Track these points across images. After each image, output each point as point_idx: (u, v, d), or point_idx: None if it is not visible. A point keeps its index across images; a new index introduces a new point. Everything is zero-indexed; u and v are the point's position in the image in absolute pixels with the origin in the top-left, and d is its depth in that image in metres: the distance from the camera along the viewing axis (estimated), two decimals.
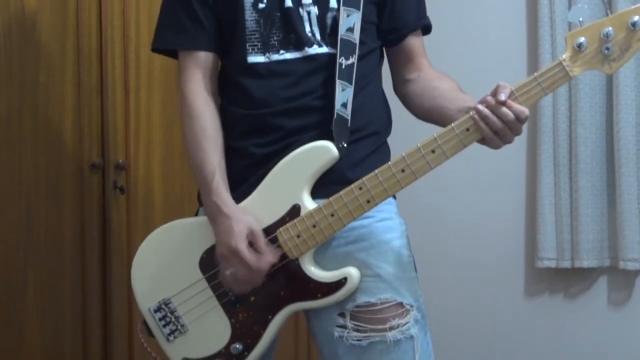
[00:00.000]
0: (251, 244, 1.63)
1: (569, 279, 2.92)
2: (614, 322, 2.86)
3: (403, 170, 1.58)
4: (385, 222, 1.70)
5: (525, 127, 2.88)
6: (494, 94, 1.55)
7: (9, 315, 2.39)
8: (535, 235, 2.89)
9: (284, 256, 1.65)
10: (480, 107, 1.55)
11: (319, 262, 1.67)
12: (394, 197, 1.76)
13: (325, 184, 1.64)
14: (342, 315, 1.67)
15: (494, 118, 1.54)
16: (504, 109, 1.53)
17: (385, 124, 1.79)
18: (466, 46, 3.01)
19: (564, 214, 2.83)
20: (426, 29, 1.83)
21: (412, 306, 1.67)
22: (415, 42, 1.80)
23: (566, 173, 2.84)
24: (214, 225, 1.68)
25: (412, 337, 1.65)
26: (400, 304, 1.66)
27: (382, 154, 1.74)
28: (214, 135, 1.72)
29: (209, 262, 1.71)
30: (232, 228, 1.63)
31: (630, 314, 2.84)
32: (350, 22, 1.68)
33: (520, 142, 2.96)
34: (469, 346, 3.04)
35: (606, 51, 1.52)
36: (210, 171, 1.68)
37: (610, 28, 1.50)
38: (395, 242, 1.70)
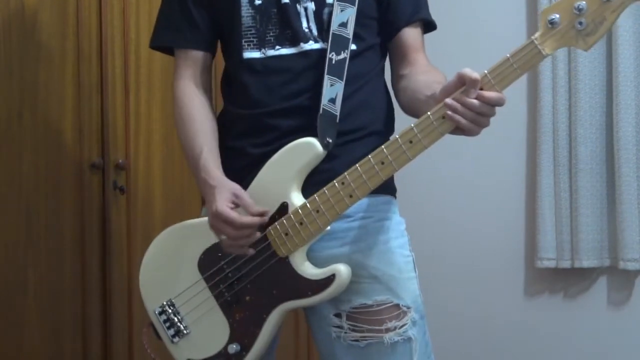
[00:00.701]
0: (237, 205, 1.62)
1: (568, 279, 2.92)
2: (614, 322, 2.85)
3: (383, 162, 1.55)
4: (383, 222, 1.69)
5: (525, 127, 2.97)
6: (464, 89, 1.47)
7: (9, 315, 2.38)
8: (535, 235, 2.88)
9: (273, 254, 1.65)
10: (450, 101, 1.47)
11: (316, 264, 1.66)
12: (395, 196, 1.76)
13: (323, 183, 1.62)
14: (338, 315, 1.67)
15: (465, 110, 1.46)
16: (478, 103, 1.45)
17: (387, 123, 1.76)
18: (466, 46, 3.00)
19: (564, 214, 2.83)
20: (428, 26, 1.79)
21: (408, 308, 1.66)
22: (410, 36, 1.75)
23: (566, 173, 2.83)
24: (205, 200, 1.69)
25: (409, 339, 1.65)
26: (397, 306, 1.65)
27: None
28: (201, 120, 1.74)
29: (207, 262, 1.72)
30: (214, 195, 1.63)
31: (630, 314, 2.84)
32: (344, 16, 1.67)
33: (520, 142, 2.97)
34: (468, 346, 3.04)
35: (579, 26, 1.45)
36: (197, 152, 1.69)
37: (583, 1, 1.44)
38: (392, 242, 1.69)
